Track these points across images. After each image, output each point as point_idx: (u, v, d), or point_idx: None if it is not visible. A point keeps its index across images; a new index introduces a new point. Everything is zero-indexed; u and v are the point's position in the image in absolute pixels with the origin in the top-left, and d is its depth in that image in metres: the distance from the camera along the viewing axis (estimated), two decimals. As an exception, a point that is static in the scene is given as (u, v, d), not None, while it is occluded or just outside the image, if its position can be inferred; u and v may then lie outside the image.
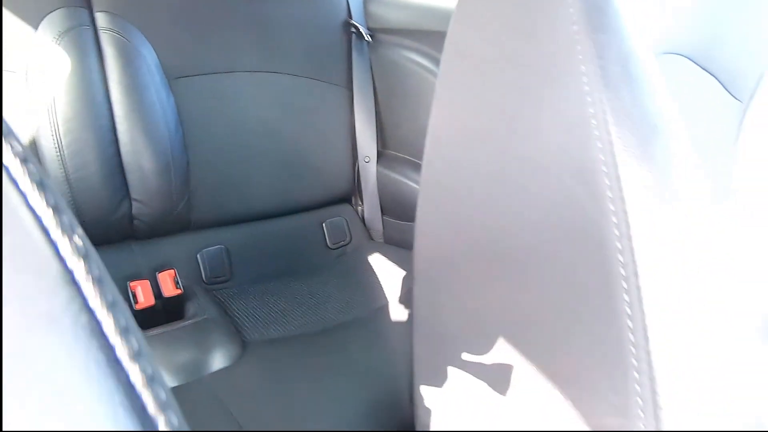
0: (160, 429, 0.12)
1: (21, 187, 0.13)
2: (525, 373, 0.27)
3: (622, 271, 0.21)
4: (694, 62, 0.42)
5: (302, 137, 0.95)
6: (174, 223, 0.80)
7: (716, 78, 0.45)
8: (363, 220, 1.05)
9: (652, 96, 0.25)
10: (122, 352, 0.12)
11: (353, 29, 0.98)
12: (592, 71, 0.23)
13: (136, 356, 0.12)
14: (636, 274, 0.20)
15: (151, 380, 0.12)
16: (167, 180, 0.77)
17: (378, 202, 1.03)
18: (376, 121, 1.01)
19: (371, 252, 0.96)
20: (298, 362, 0.64)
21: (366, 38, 0.98)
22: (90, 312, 0.12)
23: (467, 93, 0.32)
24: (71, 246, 0.13)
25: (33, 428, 0.10)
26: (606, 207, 0.22)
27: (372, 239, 1.04)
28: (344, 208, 1.04)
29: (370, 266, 0.92)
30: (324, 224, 0.98)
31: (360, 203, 1.05)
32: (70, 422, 0.11)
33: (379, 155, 1.02)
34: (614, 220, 0.21)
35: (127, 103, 0.73)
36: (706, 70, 0.44)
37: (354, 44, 0.99)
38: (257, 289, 0.81)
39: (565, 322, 0.24)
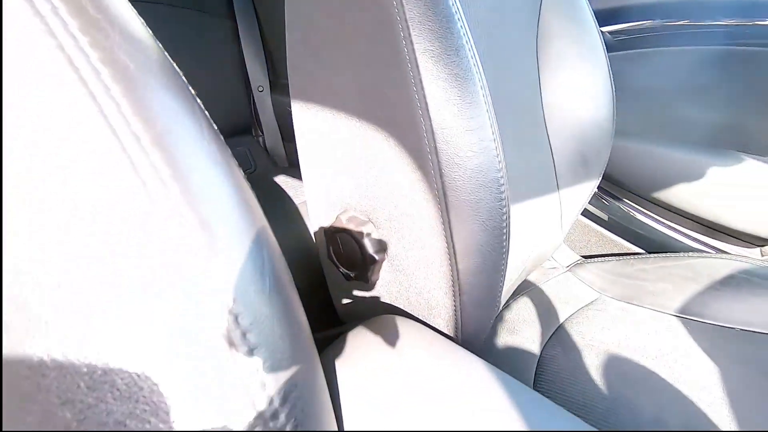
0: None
1: None
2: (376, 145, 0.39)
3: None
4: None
5: (189, 69, 0.95)
6: None
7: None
8: (265, 148, 1.10)
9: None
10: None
11: (224, -43, 0.99)
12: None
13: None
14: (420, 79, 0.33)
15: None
16: None
17: (277, 130, 1.08)
18: (265, 50, 1.05)
19: (277, 175, 1.03)
20: None
21: (241, -34, 0.99)
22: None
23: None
24: None
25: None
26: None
27: (277, 165, 1.10)
28: (245, 138, 1.08)
29: (279, 187, 0.99)
30: None
31: (260, 132, 1.10)
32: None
33: (273, 84, 1.07)
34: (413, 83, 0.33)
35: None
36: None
37: (230, -27, 1.00)
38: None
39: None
